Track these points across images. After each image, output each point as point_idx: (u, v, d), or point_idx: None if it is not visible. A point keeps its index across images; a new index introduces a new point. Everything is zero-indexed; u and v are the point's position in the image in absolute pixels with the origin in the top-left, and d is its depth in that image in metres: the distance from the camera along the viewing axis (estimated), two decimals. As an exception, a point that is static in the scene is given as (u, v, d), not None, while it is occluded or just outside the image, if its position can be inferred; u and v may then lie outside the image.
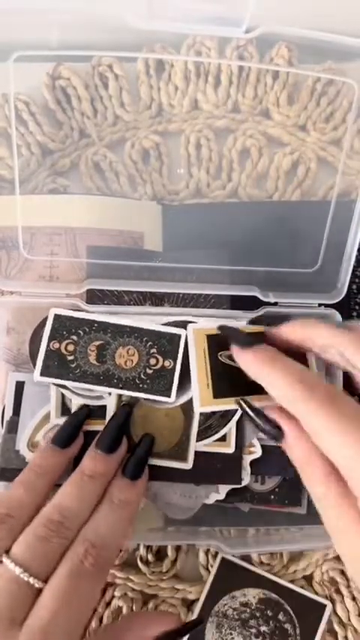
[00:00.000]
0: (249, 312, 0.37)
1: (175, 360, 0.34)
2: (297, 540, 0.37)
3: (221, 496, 0.35)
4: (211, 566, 0.39)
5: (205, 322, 0.35)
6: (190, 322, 0.35)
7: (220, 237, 0.40)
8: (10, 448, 0.35)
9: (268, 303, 0.37)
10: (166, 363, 0.34)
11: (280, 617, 0.39)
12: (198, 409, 0.32)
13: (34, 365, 0.34)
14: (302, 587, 0.40)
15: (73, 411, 0.34)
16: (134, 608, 0.39)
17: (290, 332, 0.30)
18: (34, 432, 0.35)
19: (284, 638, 0.38)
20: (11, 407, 0.36)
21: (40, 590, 0.25)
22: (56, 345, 0.34)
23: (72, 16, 0.32)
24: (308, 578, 0.41)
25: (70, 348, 0.34)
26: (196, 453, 0.34)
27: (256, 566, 0.40)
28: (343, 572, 0.40)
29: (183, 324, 0.35)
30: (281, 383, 0.26)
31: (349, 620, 0.39)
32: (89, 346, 0.34)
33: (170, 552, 0.40)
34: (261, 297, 0.37)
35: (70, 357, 0.34)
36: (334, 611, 0.39)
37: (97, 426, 0.33)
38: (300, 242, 0.39)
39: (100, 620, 0.39)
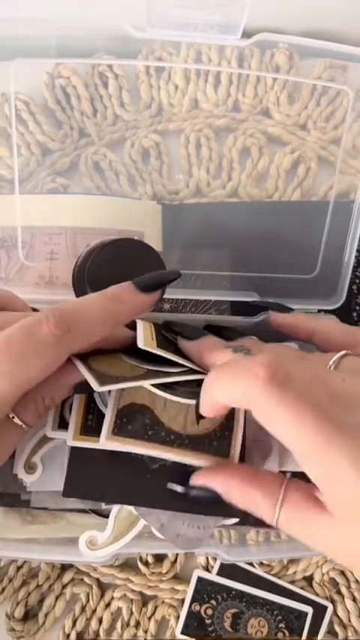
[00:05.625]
0: (249, 317, 0.37)
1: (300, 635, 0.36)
2: (296, 548, 0.36)
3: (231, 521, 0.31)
4: (211, 567, 0.39)
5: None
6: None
7: (220, 236, 0.40)
8: (7, 472, 0.34)
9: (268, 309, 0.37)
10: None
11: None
12: (141, 345, 0.28)
13: None
14: (302, 588, 0.40)
15: (70, 424, 0.31)
16: (134, 609, 0.39)
17: (281, 320, 0.31)
18: (31, 454, 0.34)
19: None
20: None
21: None
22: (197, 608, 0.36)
23: (72, 25, 0.32)
24: (308, 579, 0.40)
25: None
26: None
27: (257, 567, 0.40)
28: (343, 573, 0.40)
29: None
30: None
31: (350, 620, 0.39)
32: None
33: (170, 553, 0.39)
34: None
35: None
36: (335, 612, 0.39)
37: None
38: (299, 245, 0.39)
39: (100, 621, 0.39)
